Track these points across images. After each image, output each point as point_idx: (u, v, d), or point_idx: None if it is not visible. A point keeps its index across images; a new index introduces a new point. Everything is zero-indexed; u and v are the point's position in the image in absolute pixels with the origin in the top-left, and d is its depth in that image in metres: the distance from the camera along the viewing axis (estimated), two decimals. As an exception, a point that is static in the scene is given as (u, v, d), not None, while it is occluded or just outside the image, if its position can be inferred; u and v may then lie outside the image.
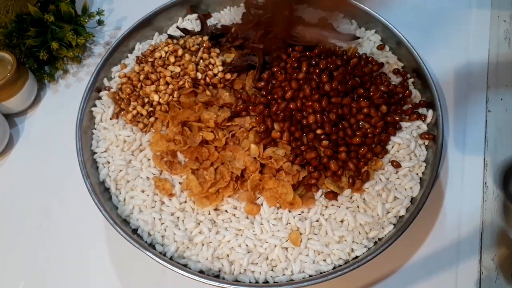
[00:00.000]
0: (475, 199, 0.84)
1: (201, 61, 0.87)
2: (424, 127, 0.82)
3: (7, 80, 0.90)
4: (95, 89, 0.89)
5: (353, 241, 0.72)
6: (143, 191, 0.78)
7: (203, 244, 0.74)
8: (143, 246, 0.70)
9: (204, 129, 0.79)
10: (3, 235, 0.85)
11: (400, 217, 0.76)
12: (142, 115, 0.84)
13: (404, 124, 0.81)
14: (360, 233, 0.73)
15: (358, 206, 0.75)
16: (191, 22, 0.98)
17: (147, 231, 0.75)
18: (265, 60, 0.86)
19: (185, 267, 0.71)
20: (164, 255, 0.73)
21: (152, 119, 0.83)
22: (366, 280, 0.77)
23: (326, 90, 0.78)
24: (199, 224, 0.75)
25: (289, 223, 0.74)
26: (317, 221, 0.74)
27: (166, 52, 0.86)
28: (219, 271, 0.73)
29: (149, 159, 0.81)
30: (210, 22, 0.98)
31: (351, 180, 0.75)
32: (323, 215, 0.74)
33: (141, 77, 0.85)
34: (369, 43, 0.93)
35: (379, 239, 0.74)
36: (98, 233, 0.84)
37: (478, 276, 0.77)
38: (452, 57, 0.99)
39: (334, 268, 0.71)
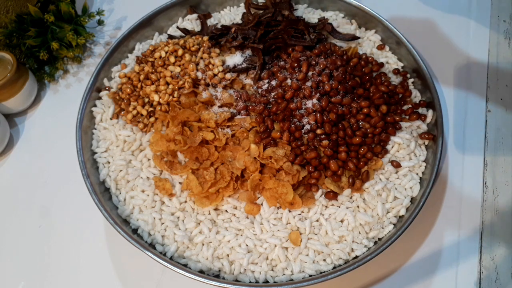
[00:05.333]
0: (475, 199, 0.84)
1: (201, 61, 0.87)
2: (424, 127, 0.82)
3: (7, 80, 0.90)
4: (95, 89, 0.89)
5: (353, 241, 0.73)
6: (143, 191, 0.78)
7: (203, 244, 0.74)
8: (143, 246, 0.70)
9: (204, 129, 0.79)
10: (3, 235, 0.85)
11: (400, 217, 0.76)
12: (142, 115, 0.84)
13: (404, 124, 0.81)
14: (360, 233, 0.73)
15: (358, 206, 0.75)
16: (191, 22, 0.98)
17: (147, 231, 0.75)
18: (265, 60, 0.87)
19: (185, 267, 0.71)
20: (164, 255, 0.73)
21: (152, 119, 0.83)
22: (366, 280, 0.77)
23: (326, 90, 0.78)
24: (199, 224, 0.75)
25: (289, 223, 0.74)
26: (317, 221, 0.74)
27: (166, 52, 0.86)
28: (219, 271, 0.73)
29: (149, 159, 0.81)
30: (210, 22, 0.98)
31: (351, 180, 0.75)
32: (323, 215, 0.74)
33: (141, 77, 0.85)
34: (369, 43, 0.93)
35: (379, 239, 0.74)
36: (98, 233, 0.84)
37: (478, 276, 0.77)
38: (452, 57, 0.99)
39: (334, 268, 0.71)
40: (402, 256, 0.79)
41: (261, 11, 0.92)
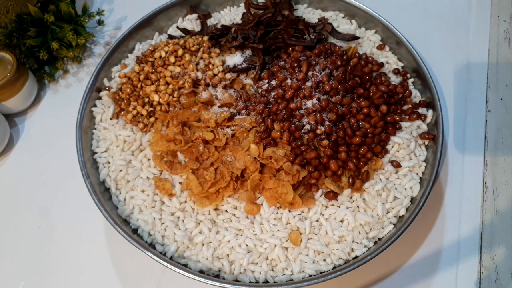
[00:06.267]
0: (475, 199, 0.84)
1: (201, 61, 0.87)
2: (424, 127, 0.82)
3: (7, 80, 0.90)
4: (95, 89, 0.89)
5: (353, 241, 0.73)
6: (143, 191, 0.78)
7: (203, 244, 0.74)
8: (143, 246, 0.70)
9: (204, 129, 0.79)
10: (3, 235, 0.85)
11: (400, 217, 0.76)
12: (142, 115, 0.84)
13: (404, 124, 0.81)
14: (360, 233, 0.73)
15: (358, 206, 0.75)
16: (191, 22, 0.98)
17: (147, 231, 0.75)
18: (265, 60, 0.87)
19: (185, 267, 0.71)
20: (164, 255, 0.73)
21: (152, 119, 0.83)
22: (366, 280, 0.77)
23: (326, 90, 0.78)
24: (199, 224, 0.75)
25: (289, 223, 0.74)
26: (317, 221, 0.74)
27: (166, 52, 0.86)
28: (219, 271, 0.73)
29: (149, 159, 0.81)
30: (210, 22, 0.98)
31: (351, 180, 0.75)
32: (323, 215, 0.74)
33: (141, 77, 0.85)
34: (369, 43, 0.93)
35: (379, 239, 0.74)
36: (98, 233, 0.84)
37: (478, 276, 0.77)
38: (452, 57, 0.99)
39: (334, 268, 0.71)
40: (402, 256, 0.79)
41: (261, 11, 0.92)
